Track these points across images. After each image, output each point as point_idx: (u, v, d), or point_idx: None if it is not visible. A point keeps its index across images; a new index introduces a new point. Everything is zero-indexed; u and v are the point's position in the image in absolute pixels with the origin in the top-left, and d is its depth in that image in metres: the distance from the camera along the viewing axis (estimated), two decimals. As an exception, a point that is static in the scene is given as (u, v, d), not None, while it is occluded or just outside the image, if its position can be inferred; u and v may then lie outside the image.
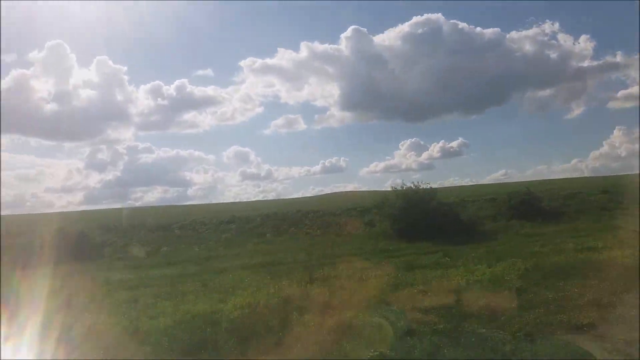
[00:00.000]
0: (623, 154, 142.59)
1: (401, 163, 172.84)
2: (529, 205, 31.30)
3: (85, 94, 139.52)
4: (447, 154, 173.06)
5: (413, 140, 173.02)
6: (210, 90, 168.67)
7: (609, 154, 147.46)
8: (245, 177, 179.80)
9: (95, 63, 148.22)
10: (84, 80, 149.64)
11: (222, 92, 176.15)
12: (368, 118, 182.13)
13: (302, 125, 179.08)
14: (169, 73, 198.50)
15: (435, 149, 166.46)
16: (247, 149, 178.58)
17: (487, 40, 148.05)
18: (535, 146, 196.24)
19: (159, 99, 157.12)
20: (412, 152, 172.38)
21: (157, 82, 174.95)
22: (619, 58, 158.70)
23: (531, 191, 34.21)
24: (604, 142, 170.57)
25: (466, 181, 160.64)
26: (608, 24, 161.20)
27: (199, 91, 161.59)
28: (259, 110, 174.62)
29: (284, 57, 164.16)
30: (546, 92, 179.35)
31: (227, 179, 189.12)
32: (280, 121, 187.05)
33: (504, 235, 24.46)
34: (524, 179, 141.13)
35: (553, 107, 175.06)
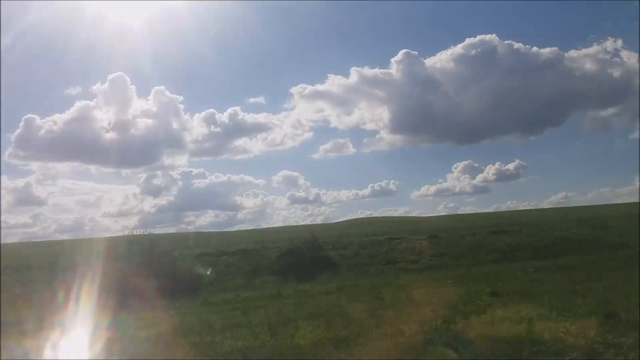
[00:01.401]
0: None
1: (454, 186, 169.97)
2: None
3: (143, 122, 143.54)
4: (503, 176, 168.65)
5: (467, 162, 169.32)
6: (261, 117, 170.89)
7: None
8: (294, 200, 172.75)
9: (153, 93, 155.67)
10: (142, 110, 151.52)
11: (273, 118, 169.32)
12: (419, 141, 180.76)
13: (350, 149, 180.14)
14: (222, 101, 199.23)
15: (490, 171, 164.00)
16: (296, 174, 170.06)
17: (544, 60, 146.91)
18: (597, 167, 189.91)
19: (212, 126, 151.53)
20: (466, 175, 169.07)
21: (211, 110, 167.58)
22: None
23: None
24: None
25: (524, 204, 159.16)
26: None
27: (250, 118, 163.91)
28: (309, 135, 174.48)
29: (334, 83, 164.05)
30: (609, 111, 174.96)
31: (277, 202, 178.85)
32: (329, 145, 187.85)
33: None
34: (586, 202, 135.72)
35: (616, 126, 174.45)
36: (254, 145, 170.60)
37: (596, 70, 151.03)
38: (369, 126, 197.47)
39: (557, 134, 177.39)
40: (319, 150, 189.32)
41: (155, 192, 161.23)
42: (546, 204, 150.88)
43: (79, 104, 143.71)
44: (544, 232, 35.35)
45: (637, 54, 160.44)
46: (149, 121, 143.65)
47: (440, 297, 14.43)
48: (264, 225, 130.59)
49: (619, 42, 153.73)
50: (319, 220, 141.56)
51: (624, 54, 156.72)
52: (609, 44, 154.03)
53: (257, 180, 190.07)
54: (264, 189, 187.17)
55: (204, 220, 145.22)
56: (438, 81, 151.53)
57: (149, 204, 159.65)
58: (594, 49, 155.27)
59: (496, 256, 28.33)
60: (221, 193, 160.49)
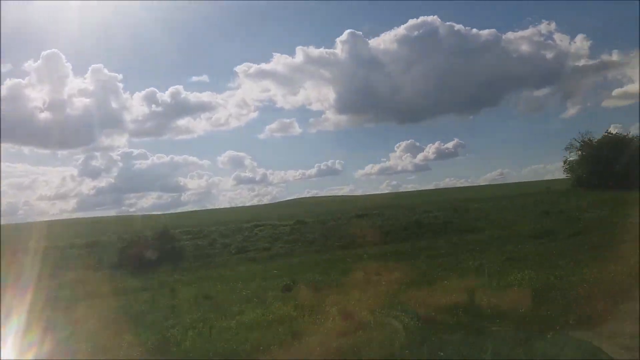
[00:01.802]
0: None
1: (397, 165, 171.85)
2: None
3: (80, 102, 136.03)
4: (442, 155, 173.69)
5: (408, 142, 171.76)
6: (205, 96, 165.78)
7: None
8: (240, 181, 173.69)
9: (90, 71, 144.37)
10: (79, 89, 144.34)
11: (217, 97, 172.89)
12: (363, 121, 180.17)
13: (297, 129, 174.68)
14: (164, 79, 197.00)
15: (430, 150, 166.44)
16: (242, 154, 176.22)
17: (483, 41, 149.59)
18: (531, 145, 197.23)
19: (153, 106, 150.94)
20: (408, 154, 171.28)
21: (151, 88, 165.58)
22: (614, 57, 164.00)
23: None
24: None
25: (462, 182, 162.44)
26: (604, 23, 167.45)
27: (193, 97, 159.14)
28: (254, 115, 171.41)
29: (279, 62, 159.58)
30: (542, 92, 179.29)
31: (222, 183, 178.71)
32: (275, 125, 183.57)
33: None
34: (520, 178, 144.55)
35: (549, 106, 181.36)
36: (198, 125, 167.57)
37: (531, 52, 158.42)
38: (315, 106, 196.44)
39: (494, 114, 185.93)
40: (265, 130, 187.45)
41: (94, 173, 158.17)
42: (482, 180, 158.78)
43: (9, 82, 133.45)
44: (403, 216, 35.80)
45: (568, 37, 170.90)
46: (86, 100, 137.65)
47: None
48: (210, 207, 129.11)
49: (553, 25, 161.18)
50: (265, 200, 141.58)
51: (557, 36, 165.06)
52: (544, 27, 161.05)
53: (201, 161, 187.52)
54: (208, 170, 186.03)
55: (147, 203, 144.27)
56: (382, 62, 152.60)
57: (87, 186, 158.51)
58: (529, 31, 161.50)
59: (346, 242, 28.04)
60: (164, 174, 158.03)
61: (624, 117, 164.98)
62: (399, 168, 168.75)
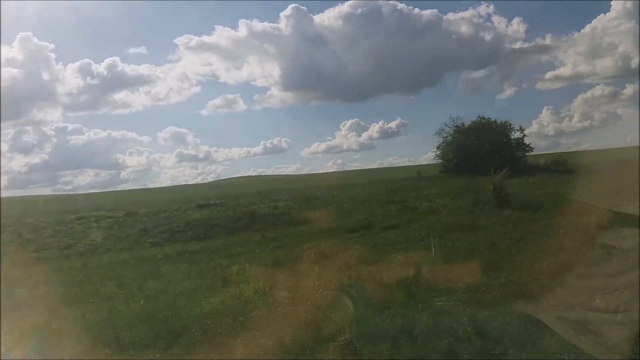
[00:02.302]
0: (550, 133, 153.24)
1: (342, 144, 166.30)
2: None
3: (8, 72, 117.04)
4: (386, 134, 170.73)
5: (353, 120, 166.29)
6: (143, 69, 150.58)
7: (537, 132, 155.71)
8: (183, 158, 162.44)
9: (18, 40, 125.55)
10: (6, 59, 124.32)
11: (157, 70, 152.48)
12: (309, 98, 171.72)
13: (241, 106, 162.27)
14: (99, 50, 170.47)
15: (374, 129, 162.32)
16: (184, 130, 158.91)
17: (425, 22, 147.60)
18: None
19: (88, 78, 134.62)
20: (353, 133, 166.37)
21: (86, 60, 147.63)
22: (548, 40, 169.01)
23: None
24: (533, 122, 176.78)
25: (404, 161, 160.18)
26: (539, 7, 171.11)
27: (131, 69, 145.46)
28: (196, 89, 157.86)
29: (222, 35, 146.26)
30: (480, 73, 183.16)
31: (164, 161, 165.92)
32: (218, 101, 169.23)
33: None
34: None
35: (486, 87, 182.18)
36: (136, 99, 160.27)
37: (470, 33, 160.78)
38: (260, 82, 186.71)
39: (434, 94, 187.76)
40: (208, 105, 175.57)
41: (25, 149, 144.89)
42: (423, 160, 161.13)
43: None
44: (241, 206, 33.48)
45: (506, 20, 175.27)
46: (14, 71, 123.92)
47: None
48: (151, 185, 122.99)
49: (491, 7, 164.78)
50: (210, 179, 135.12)
51: (495, 18, 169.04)
52: (482, 9, 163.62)
53: (141, 137, 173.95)
54: (149, 146, 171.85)
55: (83, 180, 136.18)
56: (326, 39, 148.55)
57: (18, 163, 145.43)
58: (469, 12, 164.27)
59: (164, 237, 25.14)
60: (101, 150, 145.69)
61: (556, 99, 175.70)
62: (345, 147, 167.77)
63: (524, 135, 46.50)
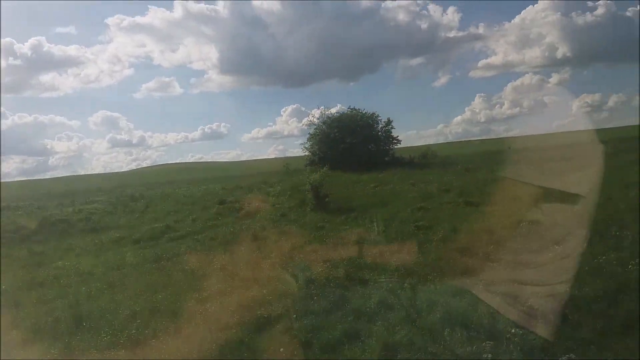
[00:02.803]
0: (482, 120, 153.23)
1: (283, 129, 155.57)
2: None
3: None
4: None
5: (294, 106, 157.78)
6: (72, 50, 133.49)
7: (470, 119, 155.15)
8: (116, 144, 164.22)
9: None
10: None
11: (87, 51, 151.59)
12: (249, 83, 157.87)
13: (177, 89, 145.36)
14: (23, 29, 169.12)
15: (315, 115, 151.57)
16: (116, 114, 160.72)
17: (363, 8, 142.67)
18: (406, 112, 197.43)
19: (10, 59, 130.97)
20: (294, 118, 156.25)
21: (8, 39, 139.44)
22: (481, 30, 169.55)
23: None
24: (466, 109, 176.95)
25: None
26: None
27: (58, 50, 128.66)
28: (129, 72, 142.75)
29: (156, 16, 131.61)
30: (417, 61, 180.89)
31: (95, 146, 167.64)
32: (152, 84, 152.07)
33: None
34: None
35: (422, 75, 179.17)
36: (65, 82, 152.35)
37: (408, 21, 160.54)
38: (197, 65, 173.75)
39: (373, 80, 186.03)
40: (142, 88, 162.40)
41: None
42: None
43: None
44: (40, 211, 28.22)
45: (441, 8, 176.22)
46: None
47: None
48: (82, 172, 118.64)
49: None
50: (145, 165, 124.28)
51: (431, 7, 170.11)
52: None
53: (70, 122, 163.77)
54: (79, 131, 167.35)
55: (8, 167, 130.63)
56: (265, 22, 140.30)
57: None
58: (405, 1, 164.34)
59: None
60: (27, 136, 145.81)
61: (488, 87, 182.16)
62: (286, 133, 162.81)
63: (392, 128, 44.92)
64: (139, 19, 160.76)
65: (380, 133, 44.55)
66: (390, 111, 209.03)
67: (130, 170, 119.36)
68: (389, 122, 44.85)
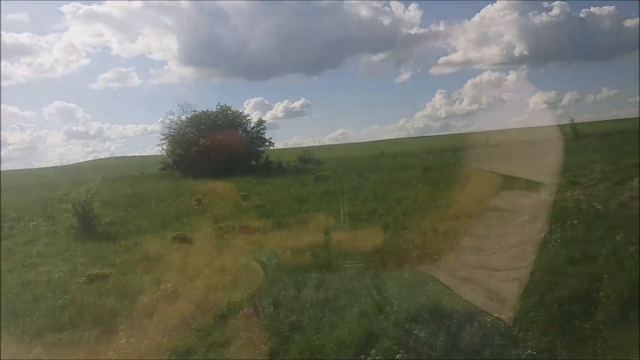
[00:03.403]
0: (443, 115, 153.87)
1: None
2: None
3: None
4: (290, 113, 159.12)
5: (258, 99, 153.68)
6: (24, 38, 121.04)
7: (431, 115, 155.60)
8: (72, 136, 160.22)
9: None
10: None
11: (40, 40, 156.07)
12: (210, 75, 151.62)
13: (136, 80, 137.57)
14: None
15: (279, 108, 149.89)
16: (72, 105, 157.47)
17: (327, 3, 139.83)
18: (369, 107, 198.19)
19: None
20: (257, 111, 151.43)
21: None
22: (441, 27, 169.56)
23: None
24: (426, 105, 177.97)
25: (309, 140, 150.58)
26: None
27: (10, 38, 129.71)
28: (85, 61, 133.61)
29: (114, 5, 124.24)
30: (379, 57, 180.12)
31: (50, 138, 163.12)
32: (110, 74, 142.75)
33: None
34: (360, 139, 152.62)
35: (385, 70, 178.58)
36: (17, 71, 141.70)
37: (370, 17, 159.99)
38: (157, 56, 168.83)
39: (336, 75, 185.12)
40: (99, 79, 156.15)
41: None
42: (327, 139, 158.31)
43: None
44: None
45: (403, 5, 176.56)
46: None
47: None
48: (36, 165, 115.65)
49: None
50: (103, 157, 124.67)
51: (393, 3, 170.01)
52: None
53: (23, 112, 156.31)
54: (33, 122, 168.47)
55: None
56: (227, 14, 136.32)
57: None
58: None
59: None
60: None
61: (448, 83, 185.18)
62: None
63: (263, 129, 40.11)
64: (95, 7, 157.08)
65: (251, 134, 39.61)
66: (354, 106, 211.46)
67: (86, 162, 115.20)
68: (260, 122, 40.45)
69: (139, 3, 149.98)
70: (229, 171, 32.28)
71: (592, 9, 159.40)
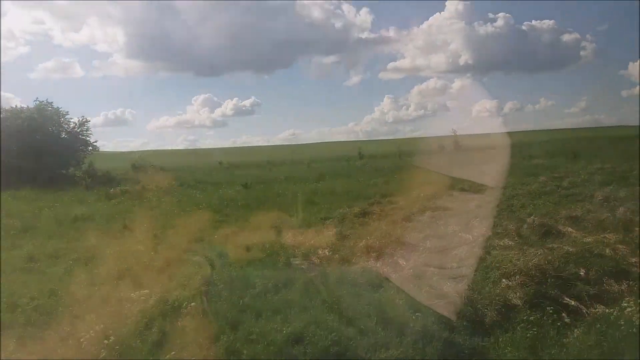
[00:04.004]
0: (390, 120, 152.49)
1: (194, 119, 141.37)
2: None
3: None
4: (240, 112, 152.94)
5: (206, 95, 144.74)
6: None
7: (379, 119, 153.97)
8: None
9: None
10: None
11: None
12: (157, 69, 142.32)
13: (78, 71, 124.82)
14: None
15: (228, 106, 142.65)
16: (9, 95, 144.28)
17: (279, 2, 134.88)
18: (319, 109, 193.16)
19: None
20: (206, 108, 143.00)
21: None
22: (391, 33, 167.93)
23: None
24: (375, 109, 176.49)
25: (257, 140, 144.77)
26: None
27: None
28: (24, 50, 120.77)
29: None
30: (330, 59, 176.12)
31: None
32: (51, 64, 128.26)
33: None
34: (309, 140, 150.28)
35: (335, 73, 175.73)
36: None
37: (322, 19, 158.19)
38: (101, 47, 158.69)
39: (287, 75, 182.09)
40: (38, 68, 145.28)
41: None
42: (277, 140, 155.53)
43: None
44: None
45: (355, 9, 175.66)
46: None
47: None
48: None
49: None
50: None
51: (345, 7, 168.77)
52: None
53: None
54: None
55: None
56: (177, 8, 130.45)
57: None
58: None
59: None
60: None
61: (396, 89, 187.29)
62: (197, 122, 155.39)
63: (87, 130, 33.52)
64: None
65: (73, 137, 33.08)
66: (305, 107, 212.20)
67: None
68: (82, 122, 33.43)
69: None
70: (35, 180, 26.50)
71: (533, 22, 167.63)
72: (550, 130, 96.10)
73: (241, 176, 28.94)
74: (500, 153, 19.64)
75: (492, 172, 16.25)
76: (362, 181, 22.00)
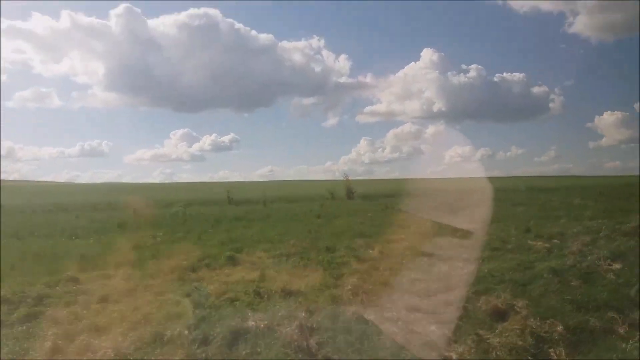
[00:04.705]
0: (366, 161, 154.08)
1: (171, 153, 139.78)
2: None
3: None
4: (218, 147, 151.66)
5: (185, 130, 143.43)
6: None
7: (355, 159, 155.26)
8: None
9: None
10: None
11: None
12: (136, 103, 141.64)
13: (56, 101, 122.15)
14: None
15: (207, 141, 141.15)
16: None
17: (260, 45, 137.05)
18: (297, 147, 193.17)
19: None
20: (184, 143, 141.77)
21: None
22: (368, 79, 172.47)
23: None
24: (352, 150, 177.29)
25: (236, 175, 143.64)
26: (363, 46, 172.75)
27: None
28: (2, 77, 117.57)
29: (40, 23, 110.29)
30: (309, 101, 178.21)
31: None
32: (28, 93, 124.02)
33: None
34: (287, 177, 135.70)
35: (314, 114, 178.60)
36: None
37: (302, 62, 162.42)
38: (81, 79, 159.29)
39: (267, 114, 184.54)
40: (15, 97, 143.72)
41: None
42: (255, 176, 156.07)
43: None
44: None
45: (334, 55, 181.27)
46: None
47: None
48: None
49: (322, 42, 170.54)
50: (12, 179, 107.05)
51: (325, 52, 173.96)
52: (314, 42, 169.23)
53: None
54: None
55: None
56: (160, 44, 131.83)
57: None
58: (302, 43, 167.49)
59: None
60: None
61: (372, 132, 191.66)
62: (174, 156, 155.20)
63: None
64: (19, 23, 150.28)
65: None
66: (283, 145, 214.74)
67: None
68: None
69: (67, 24, 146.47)
70: None
71: (504, 74, 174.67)
72: (520, 177, 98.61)
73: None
74: (472, 197, 20.01)
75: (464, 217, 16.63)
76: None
